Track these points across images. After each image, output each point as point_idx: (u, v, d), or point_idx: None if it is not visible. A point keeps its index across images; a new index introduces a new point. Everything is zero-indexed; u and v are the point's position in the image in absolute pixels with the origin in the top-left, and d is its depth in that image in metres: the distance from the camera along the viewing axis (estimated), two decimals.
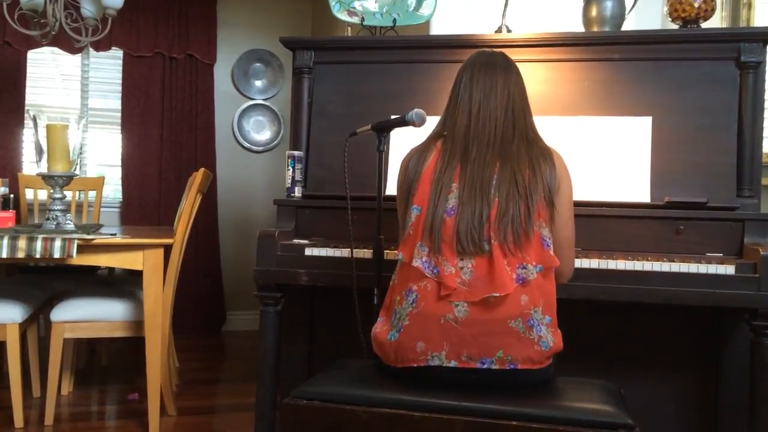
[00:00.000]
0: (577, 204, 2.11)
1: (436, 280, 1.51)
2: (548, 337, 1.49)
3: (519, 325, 1.47)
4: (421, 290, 1.52)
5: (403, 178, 1.67)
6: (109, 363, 3.78)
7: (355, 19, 2.61)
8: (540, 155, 1.57)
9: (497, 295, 1.46)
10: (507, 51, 2.24)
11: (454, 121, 1.64)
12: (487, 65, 1.67)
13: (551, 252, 1.53)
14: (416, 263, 1.53)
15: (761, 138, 2.17)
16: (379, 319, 1.64)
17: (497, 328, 1.46)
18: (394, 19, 2.60)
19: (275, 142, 4.89)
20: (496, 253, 1.47)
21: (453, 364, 1.48)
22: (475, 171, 1.55)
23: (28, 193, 3.97)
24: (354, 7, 2.61)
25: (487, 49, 1.75)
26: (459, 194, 1.54)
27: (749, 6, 2.74)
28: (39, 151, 2.79)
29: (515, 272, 1.48)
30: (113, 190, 4.64)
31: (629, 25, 2.50)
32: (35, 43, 4.04)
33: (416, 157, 1.65)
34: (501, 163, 1.55)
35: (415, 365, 1.51)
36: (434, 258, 1.52)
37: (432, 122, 1.77)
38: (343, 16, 2.61)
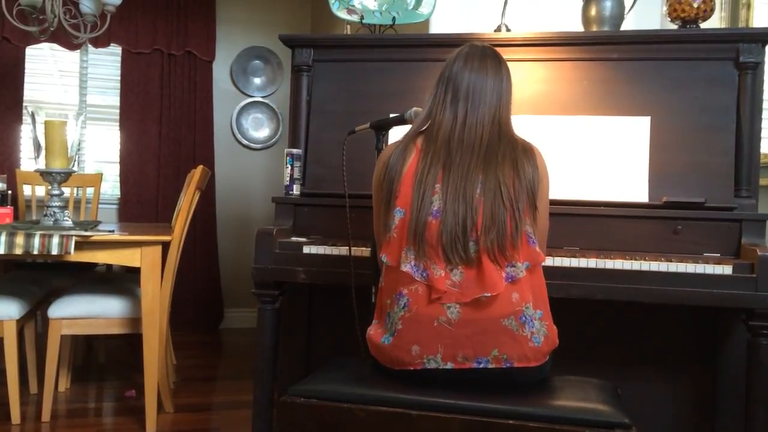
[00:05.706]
0: (575, 203, 2.13)
1: (426, 283, 1.49)
2: (542, 330, 1.49)
3: (512, 323, 1.46)
4: (411, 294, 1.50)
5: (383, 175, 1.61)
6: (106, 360, 3.78)
7: (355, 17, 2.60)
8: (522, 154, 1.54)
9: (488, 295, 1.45)
10: (506, 50, 2.26)
11: (439, 121, 1.59)
12: (478, 63, 1.60)
13: (537, 248, 1.52)
14: (405, 268, 1.50)
15: (759, 138, 2.17)
16: (374, 321, 1.63)
17: (491, 327, 1.46)
18: (394, 18, 2.60)
19: (274, 140, 4.89)
20: (484, 259, 1.46)
21: (449, 365, 1.48)
22: (458, 179, 1.50)
23: (26, 190, 3.96)
24: (353, 5, 2.60)
25: (477, 43, 1.68)
26: (442, 198, 1.50)
27: (748, 6, 2.74)
28: (37, 148, 2.79)
29: (504, 271, 1.47)
30: (111, 186, 4.63)
31: (628, 24, 2.50)
32: (34, 39, 4.03)
33: (396, 154, 1.59)
34: (485, 170, 1.51)
35: (411, 368, 1.50)
36: (422, 261, 1.50)
37: None
38: (342, 14, 2.61)
